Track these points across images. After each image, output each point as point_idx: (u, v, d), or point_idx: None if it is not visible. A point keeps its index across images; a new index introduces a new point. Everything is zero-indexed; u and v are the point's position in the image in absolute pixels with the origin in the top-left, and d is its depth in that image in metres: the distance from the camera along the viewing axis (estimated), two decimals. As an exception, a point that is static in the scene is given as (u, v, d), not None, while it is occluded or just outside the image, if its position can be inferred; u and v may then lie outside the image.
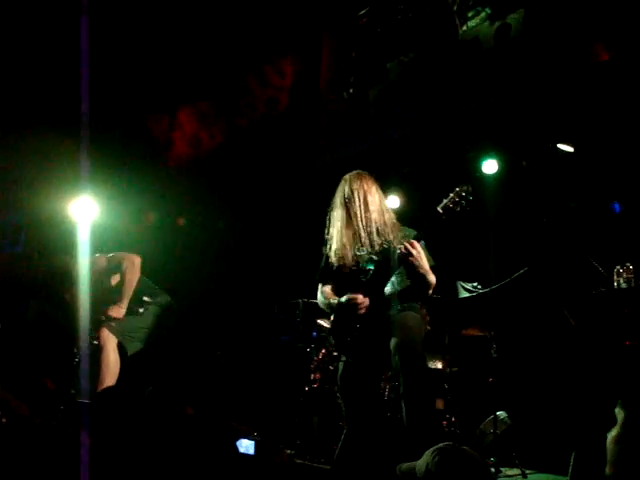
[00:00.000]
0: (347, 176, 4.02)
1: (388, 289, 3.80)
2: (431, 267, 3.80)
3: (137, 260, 5.03)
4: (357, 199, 3.90)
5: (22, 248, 7.68)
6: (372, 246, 3.86)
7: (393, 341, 3.61)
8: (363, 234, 3.86)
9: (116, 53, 6.47)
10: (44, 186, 6.86)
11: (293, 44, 6.82)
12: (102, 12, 5.42)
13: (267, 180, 6.94)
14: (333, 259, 3.95)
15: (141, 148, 6.94)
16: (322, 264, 4.07)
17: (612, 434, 2.43)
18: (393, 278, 3.79)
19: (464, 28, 5.81)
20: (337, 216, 3.96)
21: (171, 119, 7.09)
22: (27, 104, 6.77)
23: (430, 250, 3.87)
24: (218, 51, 6.76)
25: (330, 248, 3.98)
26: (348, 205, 3.91)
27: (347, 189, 3.95)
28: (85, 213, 5.52)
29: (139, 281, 5.07)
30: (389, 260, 3.76)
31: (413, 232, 3.86)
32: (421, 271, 3.70)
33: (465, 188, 3.71)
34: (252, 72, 6.94)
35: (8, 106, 6.73)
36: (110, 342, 4.87)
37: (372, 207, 3.90)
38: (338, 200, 3.97)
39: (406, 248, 3.65)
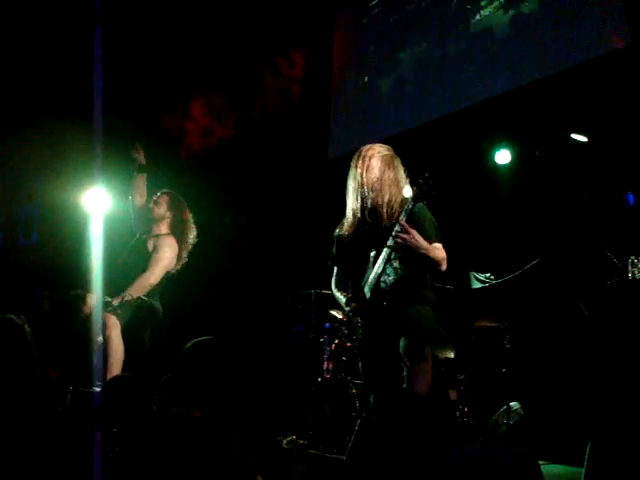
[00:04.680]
0: (360, 148, 3.80)
1: (391, 277, 3.64)
2: (435, 239, 3.59)
3: (152, 281, 4.92)
4: (360, 172, 3.65)
5: (36, 240, 7.72)
6: (377, 224, 3.65)
7: (402, 342, 3.50)
8: (365, 212, 3.65)
9: (129, 44, 6.47)
10: (57, 178, 6.89)
11: (305, 35, 6.80)
12: (115, 3, 5.42)
13: (280, 171, 6.93)
14: (340, 239, 3.79)
15: (153, 140, 6.95)
16: (333, 247, 3.90)
17: None
18: (396, 264, 3.62)
19: (477, 17, 5.78)
20: (348, 190, 3.75)
21: (183, 111, 7.11)
22: (40, 96, 6.79)
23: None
24: (230, 42, 6.75)
25: (342, 226, 3.81)
26: (353, 179, 3.69)
27: (354, 162, 3.73)
28: (98, 204, 5.53)
29: None
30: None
31: (410, 204, 3.56)
32: (421, 252, 3.49)
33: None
34: (264, 63, 6.93)
35: (22, 98, 6.76)
36: (115, 329, 4.78)
37: (374, 181, 3.64)
38: (351, 173, 3.75)
39: (396, 234, 3.44)
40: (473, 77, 5.81)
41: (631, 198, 5.17)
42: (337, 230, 3.88)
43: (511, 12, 5.51)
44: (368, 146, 3.80)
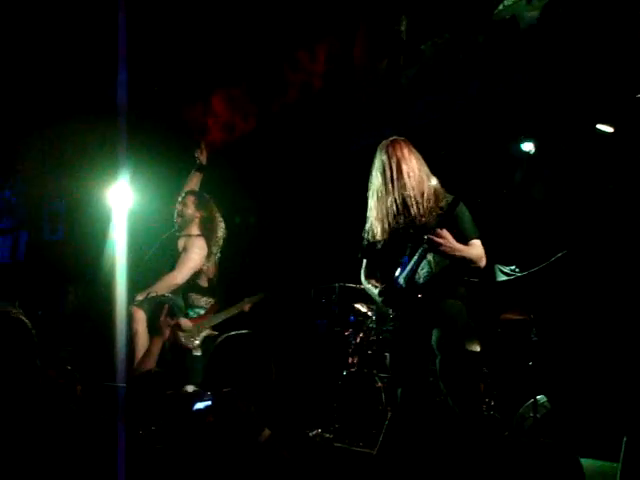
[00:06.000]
0: (382, 143, 3.83)
1: (425, 271, 3.63)
2: (473, 236, 3.61)
3: (178, 281, 4.98)
4: (390, 166, 3.68)
5: (61, 236, 7.79)
6: (410, 219, 3.65)
7: (435, 334, 3.53)
8: (399, 206, 3.66)
9: (151, 40, 6.49)
10: (82, 174, 6.93)
11: (327, 28, 6.77)
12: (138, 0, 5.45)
13: (303, 164, 6.93)
14: (370, 235, 3.81)
15: (177, 134, 6.98)
16: (364, 240, 3.92)
17: None
18: (430, 257, 3.62)
19: (500, 7, 5.72)
20: (373, 187, 3.79)
21: (205, 106, 7.10)
22: (65, 93, 6.83)
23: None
24: (251, 36, 6.74)
25: (373, 220, 3.82)
26: (382, 174, 3.72)
27: (380, 157, 3.76)
28: (122, 199, 5.57)
29: None
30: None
31: (450, 198, 3.59)
32: (456, 255, 3.52)
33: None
34: (285, 57, 6.91)
35: (47, 95, 6.80)
36: (142, 324, 4.80)
37: (407, 174, 3.66)
38: (373, 171, 3.80)
39: (430, 240, 3.46)
40: (497, 68, 5.75)
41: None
42: (368, 224, 3.88)
43: (534, 1, 5.45)
44: (397, 141, 3.80)
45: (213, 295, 5.32)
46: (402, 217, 3.68)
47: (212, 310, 5.22)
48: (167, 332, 3.80)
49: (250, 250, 7.06)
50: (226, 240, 5.23)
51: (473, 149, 5.78)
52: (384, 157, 3.75)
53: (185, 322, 5.01)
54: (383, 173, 3.73)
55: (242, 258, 6.88)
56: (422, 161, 3.80)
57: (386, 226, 3.73)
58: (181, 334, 4.94)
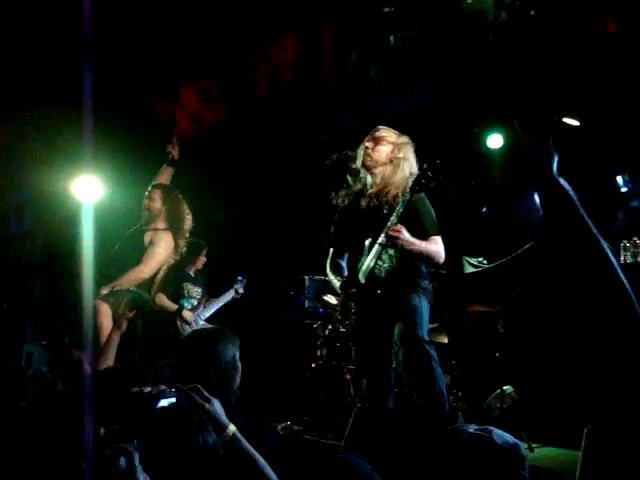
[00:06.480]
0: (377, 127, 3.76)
1: (386, 265, 3.60)
2: (433, 232, 3.57)
3: (145, 275, 4.95)
4: (372, 152, 3.63)
5: (27, 227, 7.68)
6: (376, 210, 3.61)
7: (396, 329, 3.51)
8: (369, 194, 3.63)
9: (118, 30, 6.40)
10: (48, 165, 6.82)
11: (295, 19, 6.73)
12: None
13: (270, 156, 6.90)
14: (342, 221, 3.79)
15: (144, 127, 6.90)
16: (331, 229, 3.89)
17: None
18: (391, 251, 3.58)
19: (469, 1, 5.74)
20: (352, 170, 3.74)
21: (173, 97, 7.03)
22: (30, 81, 6.70)
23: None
24: (219, 27, 6.68)
25: (341, 209, 3.80)
26: (362, 159, 3.67)
27: (368, 142, 3.68)
28: (88, 192, 5.49)
29: None
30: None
31: (407, 195, 3.45)
32: (414, 250, 3.47)
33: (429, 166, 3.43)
34: (254, 48, 6.86)
35: (11, 83, 6.67)
36: (108, 318, 4.76)
37: (381, 163, 3.62)
38: (358, 153, 3.72)
39: (386, 235, 3.39)
40: (465, 61, 5.78)
41: (622, 182, 5.17)
42: (337, 213, 3.87)
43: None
44: (381, 128, 3.76)
45: (200, 285, 5.48)
46: (366, 208, 3.66)
47: (202, 300, 5.40)
48: (125, 325, 3.76)
49: (219, 242, 7.01)
50: (194, 233, 5.22)
51: (442, 141, 5.79)
52: (366, 144, 3.69)
53: (188, 314, 5.21)
54: (359, 159, 3.70)
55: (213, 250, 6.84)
56: (406, 157, 3.68)
57: (351, 215, 3.71)
58: (184, 326, 5.13)
